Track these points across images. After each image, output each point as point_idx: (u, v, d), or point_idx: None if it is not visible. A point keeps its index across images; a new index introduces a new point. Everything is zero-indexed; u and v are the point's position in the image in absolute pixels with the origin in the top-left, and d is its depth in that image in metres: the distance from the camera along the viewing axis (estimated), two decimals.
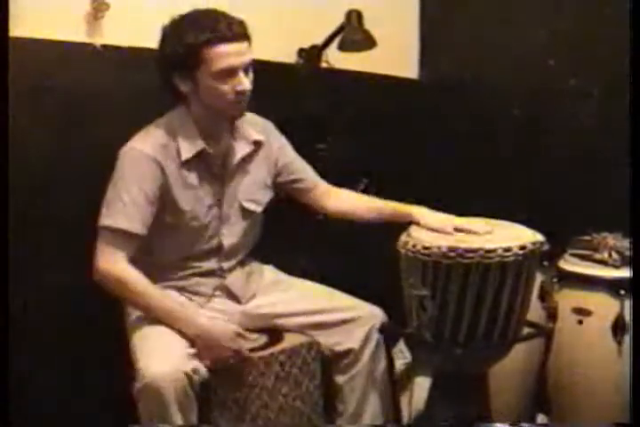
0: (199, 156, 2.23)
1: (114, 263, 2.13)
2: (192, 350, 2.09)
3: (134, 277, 2.13)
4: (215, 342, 2.14)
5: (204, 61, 2.10)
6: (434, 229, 2.17)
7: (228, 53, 2.10)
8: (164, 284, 2.26)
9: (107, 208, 2.15)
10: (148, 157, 2.15)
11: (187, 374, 1.98)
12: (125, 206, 2.13)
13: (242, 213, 2.38)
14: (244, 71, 2.14)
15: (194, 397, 2.02)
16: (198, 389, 2.04)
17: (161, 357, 2.00)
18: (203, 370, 2.06)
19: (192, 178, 2.24)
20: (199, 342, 2.11)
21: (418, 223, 2.24)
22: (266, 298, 2.43)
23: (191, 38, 2.08)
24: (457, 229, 2.15)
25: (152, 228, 2.18)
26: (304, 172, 2.52)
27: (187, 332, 2.12)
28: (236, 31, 2.11)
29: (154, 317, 2.15)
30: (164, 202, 2.20)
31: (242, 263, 2.45)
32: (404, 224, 2.25)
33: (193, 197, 2.25)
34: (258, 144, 2.37)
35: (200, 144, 2.22)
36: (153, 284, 2.17)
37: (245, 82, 2.14)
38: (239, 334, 2.21)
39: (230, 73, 2.12)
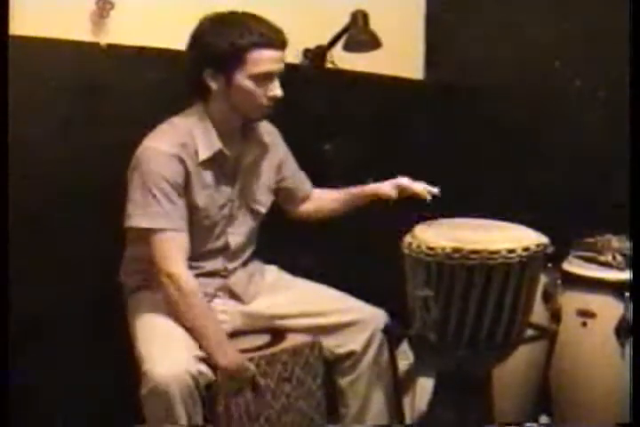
0: (215, 156, 2.24)
1: (176, 267, 2.14)
2: (199, 353, 2.08)
3: (195, 291, 2.15)
4: (234, 377, 2.15)
5: (247, 63, 2.12)
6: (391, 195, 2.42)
7: (271, 59, 2.15)
8: None
9: (141, 209, 2.14)
10: (171, 154, 2.15)
11: (193, 377, 1.98)
12: (162, 206, 2.14)
13: (249, 213, 2.40)
14: (278, 78, 2.19)
15: (199, 399, 2.02)
16: (204, 390, 2.04)
17: (167, 360, 1.99)
18: (208, 372, 2.06)
19: (208, 177, 2.25)
20: (226, 372, 2.12)
21: (376, 193, 2.46)
22: (268, 299, 2.43)
23: (238, 38, 2.10)
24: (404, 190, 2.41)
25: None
26: (304, 183, 2.59)
27: (218, 360, 2.11)
28: (281, 38, 2.17)
29: (191, 332, 2.14)
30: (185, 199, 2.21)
31: (244, 264, 2.46)
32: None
33: (208, 196, 2.26)
34: (266, 146, 2.40)
35: (217, 145, 2.23)
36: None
37: (279, 88, 2.19)
38: (254, 377, 2.21)
39: (267, 78, 2.16)
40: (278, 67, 2.18)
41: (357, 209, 2.56)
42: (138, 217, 2.15)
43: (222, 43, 2.11)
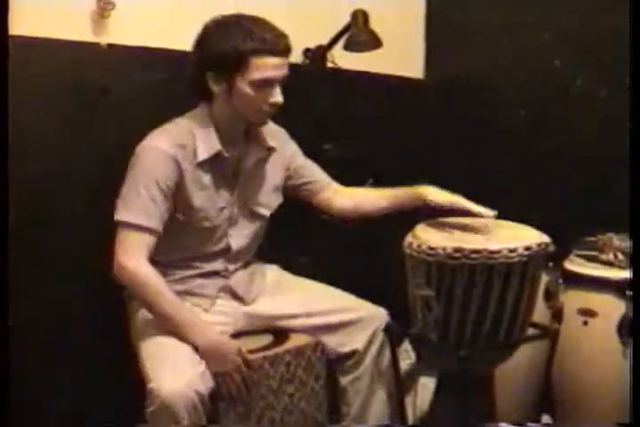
0: (214, 158, 2.23)
1: (134, 260, 2.12)
2: (204, 364, 2.08)
3: (154, 280, 2.13)
4: (222, 355, 2.13)
5: (247, 68, 2.11)
6: (442, 207, 2.24)
7: (271, 65, 2.13)
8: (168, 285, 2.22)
9: (124, 204, 2.15)
10: (166, 155, 2.16)
11: (198, 393, 1.97)
12: (144, 203, 2.14)
13: (251, 216, 2.39)
14: (279, 84, 2.17)
15: (203, 410, 2.00)
16: (207, 401, 2.02)
17: (172, 378, 1.98)
18: (211, 383, 2.06)
19: (206, 179, 2.25)
20: (207, 354, 2.10)
21: (426, 201, 2.28)
22: (269, 299, 2.43)
23: (240, 43, 2.09)
24: (462, 212, 2.20)
25: (164, 226, 2.19)
26: (315, 174, 2.54)
27: (196, 342, 2.10)
28: (284, 45, 2.15)
29: (165, 323, 2.14)
30: (178, 200, 2.20)
31: (245, 264, 2.45)
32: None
33: (206, 198, 2.25)
34: (271, 150, 2.39)
35: (217, 146, 2.23)
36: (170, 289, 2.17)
37: (279, 95, 2.17)
38: (241, 352, 2.17)
39: (268, 84, 2.15)
40: (280, 73, 2.16)
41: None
42: (121, 211, 2.16)
43: (225, 47, 2.11)
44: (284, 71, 2.17)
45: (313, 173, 2.54)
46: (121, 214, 2.15)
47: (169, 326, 2.13)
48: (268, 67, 2.12)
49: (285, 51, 2.16)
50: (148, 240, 2.15)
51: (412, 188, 2.37)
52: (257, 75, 2.12)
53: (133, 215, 2.14)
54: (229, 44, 2.10)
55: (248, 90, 2.15)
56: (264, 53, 2.11)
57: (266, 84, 2.15)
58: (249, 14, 2.19)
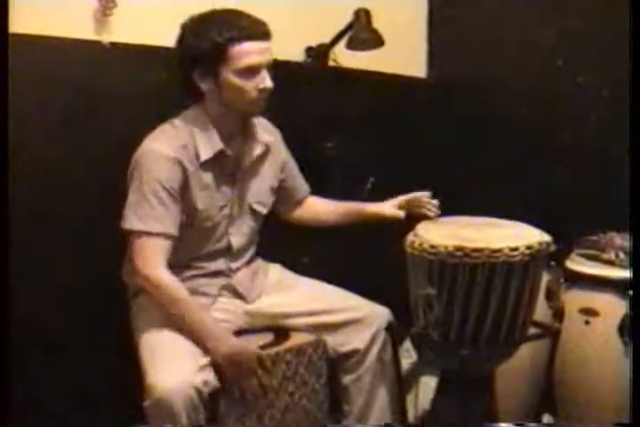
0: (216, 157, 2.23)
1: (153, 269, 2.12)
2: (204, 361, 2.07)
3: (175, 287, 2.13)
4: (241, 363, 2.13)
5: (229, 58, 2.10)
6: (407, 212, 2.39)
7: (253, 51, 2.11)
8: None
9: (134, 211, 2.14)
10: (169, 158, 2.15)
11: (197, 389, 1.97)
12: (155, 209, 2.13)
13: (250, 214, 2.39)
14: (267, 69, 2.15)
15: (202, 407, 2.00)
16: (207, 398, 2.02)
17: (171, 371, 1.98)
18: (212, 381, 2.05)
19: (208, 178, 2.24)
20: (226, 361, 2.10)
21: (379, 215, 2.43)
22: (271, 298, 2.43)
23: (216, 35, 2.08)
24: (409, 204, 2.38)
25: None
26: (302, 185, 2.58)
27: (217, 349, 2.10)
28: (261, 30, 2.13)
29: (186, 328, 2.13)
30: (183, 201, 2.20)
31: (247, 263, 2.45)
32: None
33: (208, 197, 2.25)
34: (268, 146, 2.38)
35: (218, 145, 2.22)
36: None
37: (268, 80, 2.15)
38: (261, 360, 2.19)
39: (254, 71, 2.13)
40: (263, 58, 2.13)
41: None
42: (131, 219, 2.15)
43: (203, 42, 2.10)
44: (267, 55, 2.14)
45: (302, 185, 2.58)
46: (132, 223, 2.14)
47: (190, 332, 2.13)
48: (249, 53, 2.10)
49: (264, 34, 2.14)
50: (166, 246, 2.15)
51: (365, 204, 2.50)
52: (240, 63, 2.11)
53: (145, 223, 2.13)
54: (206, 39, 2.09)
55: (235, 80, 2.13)
56: (242, 40, 2.09)
57: (252, 71, 2.13)
58: (223, 8, 2.17)
